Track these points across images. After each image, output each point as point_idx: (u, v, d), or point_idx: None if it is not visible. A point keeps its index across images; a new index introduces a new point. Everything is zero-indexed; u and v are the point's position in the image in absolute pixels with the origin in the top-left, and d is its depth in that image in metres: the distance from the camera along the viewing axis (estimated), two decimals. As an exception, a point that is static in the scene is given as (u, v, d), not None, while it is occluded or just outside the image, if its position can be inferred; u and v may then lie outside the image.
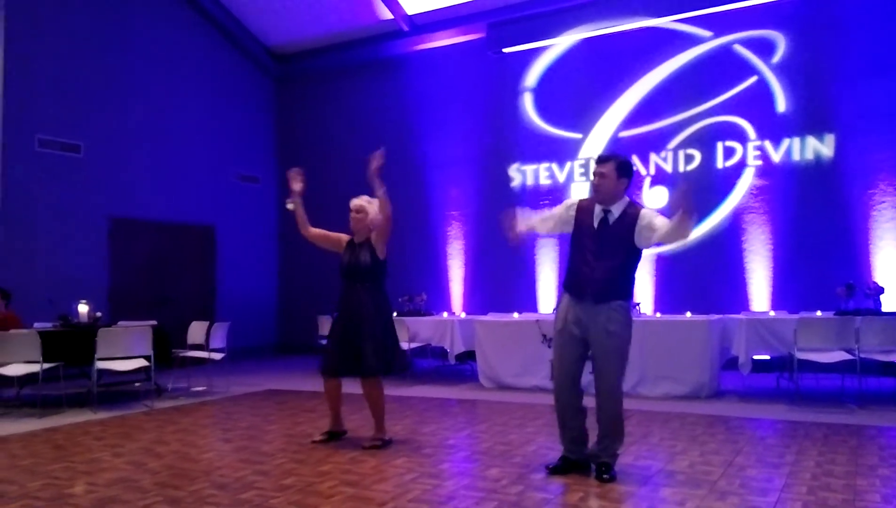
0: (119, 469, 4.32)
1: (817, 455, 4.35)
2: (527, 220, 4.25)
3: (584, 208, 4.03)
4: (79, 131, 9.41)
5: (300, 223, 5.08)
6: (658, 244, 4.04)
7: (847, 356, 6.15)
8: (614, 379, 3.93)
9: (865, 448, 4.57)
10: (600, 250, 3.91)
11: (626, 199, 3.99)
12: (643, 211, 3.93)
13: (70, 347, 6.55)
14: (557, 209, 4.20)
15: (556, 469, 4.04)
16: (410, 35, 10.87)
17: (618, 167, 3.93)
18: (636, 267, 4.02)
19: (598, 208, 3.97)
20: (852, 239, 8.21)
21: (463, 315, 8.75)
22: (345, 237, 5.00)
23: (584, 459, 4.05)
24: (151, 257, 10.16)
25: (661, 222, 3.85)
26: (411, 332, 7.99)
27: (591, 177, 4.05)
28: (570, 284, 4.05)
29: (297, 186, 5.02)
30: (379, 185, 4.72)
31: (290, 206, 5.02)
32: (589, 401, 4.04)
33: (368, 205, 4.91)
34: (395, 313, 8.45)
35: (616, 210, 3.94)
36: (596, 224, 3.95)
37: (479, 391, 7.46)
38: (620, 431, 3.98)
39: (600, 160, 4.00)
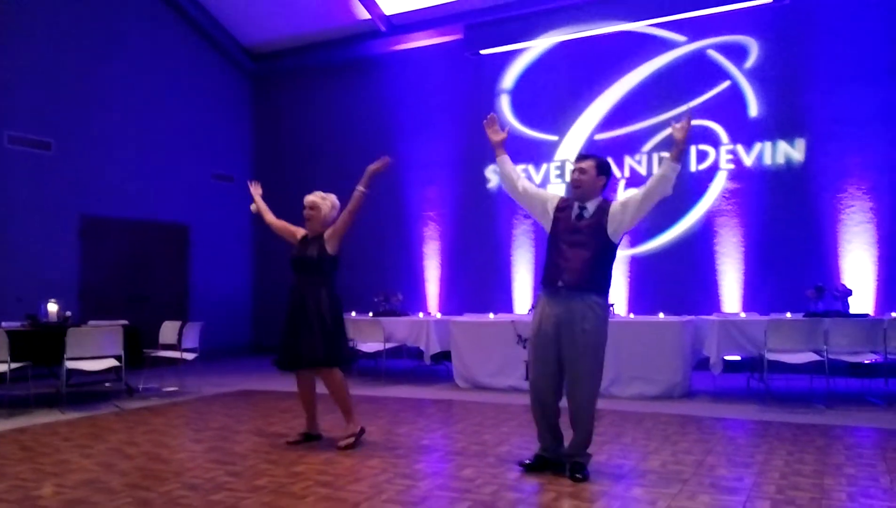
0: (88, 471, 4.25)
1: (786, 455, 4.42)
2: (507, 159, 4.33)
3: (563, 205, 4.12)
4: (50, 128, 9.26)
5: (263, 213, 5.25)
6: (639, 218, 4.07)
7: (816, 357, 6.25)
8: (588, 382, 3.95)
9: (833, 447, 4.65)
10: (575, 243, 3.98)
11: (601, 197, 4.07)
12: (613, 202, 4.05)
13: (38, 346, 6.45)
14: (541, 190, 4.38)
15: (530, 467, 4.08)
16: (388, 35, 10.86)
17: (597, 165, 4.05)
18: (611, 263, 4.07)
19: (574, 205, 4.05)
20: (822, 242, 8.35)
21: (438, 316, 8.75)
22: (300, 231, 5.02)
23: (560, 458, 4.08)
24: (124, 256, 10.04)
25: (639, 189, 4.02)
26: (387, 332, 7.97)
27: (571, 174, 4.13)
28: (545, 278, 4.10)
29: (256, 191, 5.35)
30: (365, 183, 4.81)
31: (253, 208, 5.35)
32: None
33: (322, 201, 4.92)
34: (370, 314, 8.53)
35: (591, 207, 4.02)
36: (572, 220, 4.03)
37: (455, 391, 7.47)
38: (591, 431, 4.01)
39: (580, 158, 4.12)
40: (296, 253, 4.93)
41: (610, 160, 9.21)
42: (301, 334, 4.73)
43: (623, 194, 4.06)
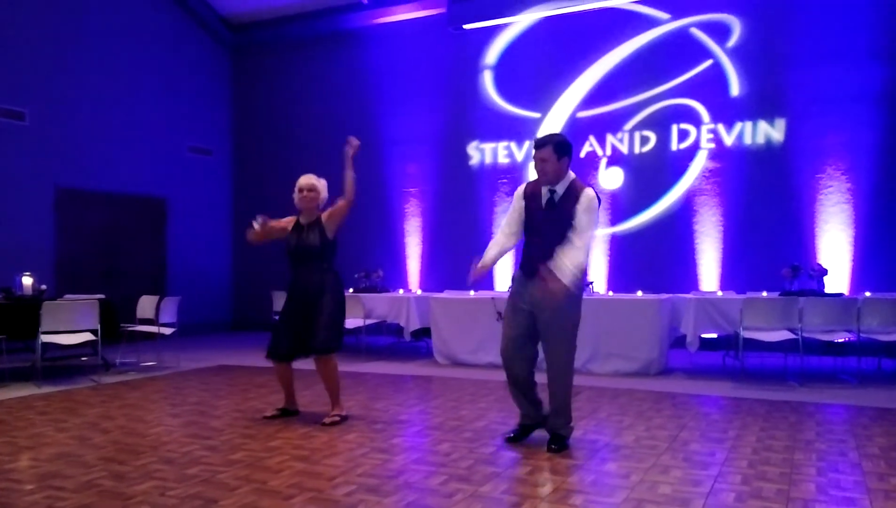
0: (62, 444, 4.23)
1: (759, 431, 4.49)
2: (491, 252, 4.17)
3: (531, 193, 4.08)
4: (23, 98, 9.07)
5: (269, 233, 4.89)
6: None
7: (790, 336, 6.34)
8: (563, 356, 4.01)
9: (804, 423, 4.73)
10: (549, 229, 3.98)
11: (571, 176, 4.03)
12: (585, 192, 3.93)
13: (13, 320, 6.37)
14: (513, 205, 4.19)
15: (514, 438, 4.20)
16: (370, 8, 10.72)
17: (556, 149, 3.95)
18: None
19: (544, 189, 4.03)
20: (799, 222, 8.43)
21: (419, 292, 8.75)
22: (289, 221, 4.91)
23: (542, 420, 4.18)
24: (100, 229, 9.91)
25: (581, 232, 3.87)
26: (367, 308, 7.97)
27: (535, 165, 4.07)
28: (523, 264, 4.12)
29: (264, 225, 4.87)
30: (351, 169, 4.72)
31: (257, 225, 4.81)
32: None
33: (318, 183, 4.86)
34: (350, 290, 8.51)
35: (561, 188, 3.99)
36: (544, 204, 4.02)
37: (434, 367, 7.49)
38: (568, 404, 4.07)
39: (538, 145, 4.01)
40: (294, 242, 4.78)
41: (592, 139, 9.41)
42: (311, 324, 4.68)
43: (582, 214, 3.93)
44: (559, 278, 3.84)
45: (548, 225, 3.98)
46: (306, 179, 4.85)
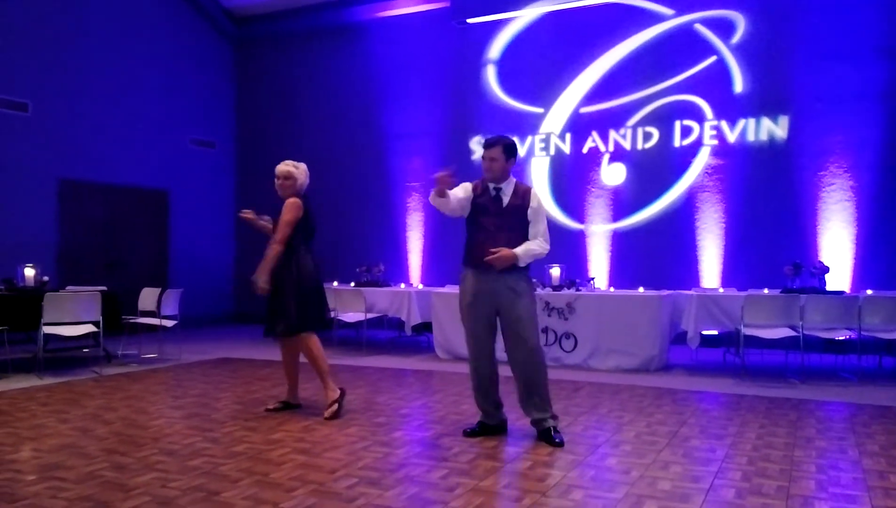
0: (64, 435, 4.24)
1: (759, 428, 4.50)
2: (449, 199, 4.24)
3: (479, 190, 4.23)
4: (27, 89, 9.07)
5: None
6: None
7: (791, 333, 6.34)
8: (532, 342, 4.10)
9: (804, 420, 4.73)
10: (500, 224, 4.13)
11: (513, 178, 4.25)
12: (533, 191, 4.22)
13: (15, 311, 6.39)
14: (461, 186, 4.25)
15: (473, 433, 4.28)
16: (374, 1, 10.70)
17: (505, 150, 4.17)
18: None
19: (490, 187, 4.19)
20: (801, 220, 8.42)
21: (420, 287, 8.74)
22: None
23: (501, 423, 4.33)
24: (103, 220, 9.93)
25: (538, 234, 4.13)
26: (368, 302, 7.98)
27: (483, 162, 4.24)
28: (474, 259, 4.16)
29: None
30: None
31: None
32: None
33: (295, 170, 4.86)
34: (352, 284, 8.50)
35: (507, 187, 4.19)
36: (492, 200, 4.17)
37: (435, 362, 7.51)
38: (545, 391, 4.13)
39: (488, 145, 4.20)
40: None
41: (595, 134, 9.39)
42: (269, 304, 4.82)
43: (538, 199, 4.20)
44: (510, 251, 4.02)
45: (499, 220, 4.13)
46: (283, 167, 4.88)
